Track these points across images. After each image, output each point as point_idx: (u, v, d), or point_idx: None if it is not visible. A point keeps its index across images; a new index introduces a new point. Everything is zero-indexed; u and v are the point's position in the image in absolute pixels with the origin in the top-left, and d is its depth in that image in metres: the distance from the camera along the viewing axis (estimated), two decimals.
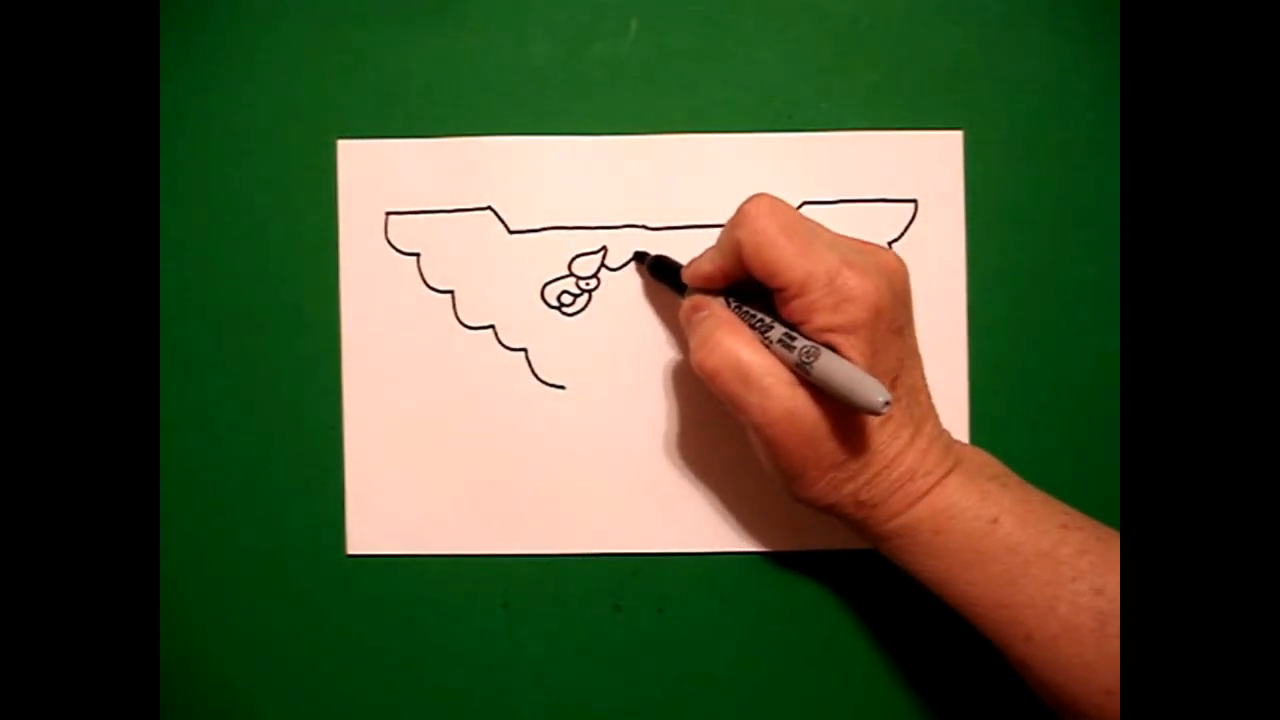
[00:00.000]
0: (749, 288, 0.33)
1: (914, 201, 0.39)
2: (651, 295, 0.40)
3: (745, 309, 0.33)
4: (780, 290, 0.31)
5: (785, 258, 0.30)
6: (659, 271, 0.38)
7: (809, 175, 0.39)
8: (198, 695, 0.40)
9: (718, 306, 0.33)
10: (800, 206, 0.39)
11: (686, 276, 0.35)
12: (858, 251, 0.32)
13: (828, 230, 0.33)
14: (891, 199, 0.39)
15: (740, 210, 0.32)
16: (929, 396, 0.34)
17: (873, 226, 0.39)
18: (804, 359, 0.30)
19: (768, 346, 0.31)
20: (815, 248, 0.31)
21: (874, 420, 0.31)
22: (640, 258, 0.39)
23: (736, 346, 0.31)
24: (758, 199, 0.32)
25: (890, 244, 0.39)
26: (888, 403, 0.28)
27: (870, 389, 0.28)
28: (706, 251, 0.34)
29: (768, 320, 0.32)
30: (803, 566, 0.40)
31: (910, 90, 0.39)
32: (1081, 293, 0.39)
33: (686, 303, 0.35)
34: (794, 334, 0.31)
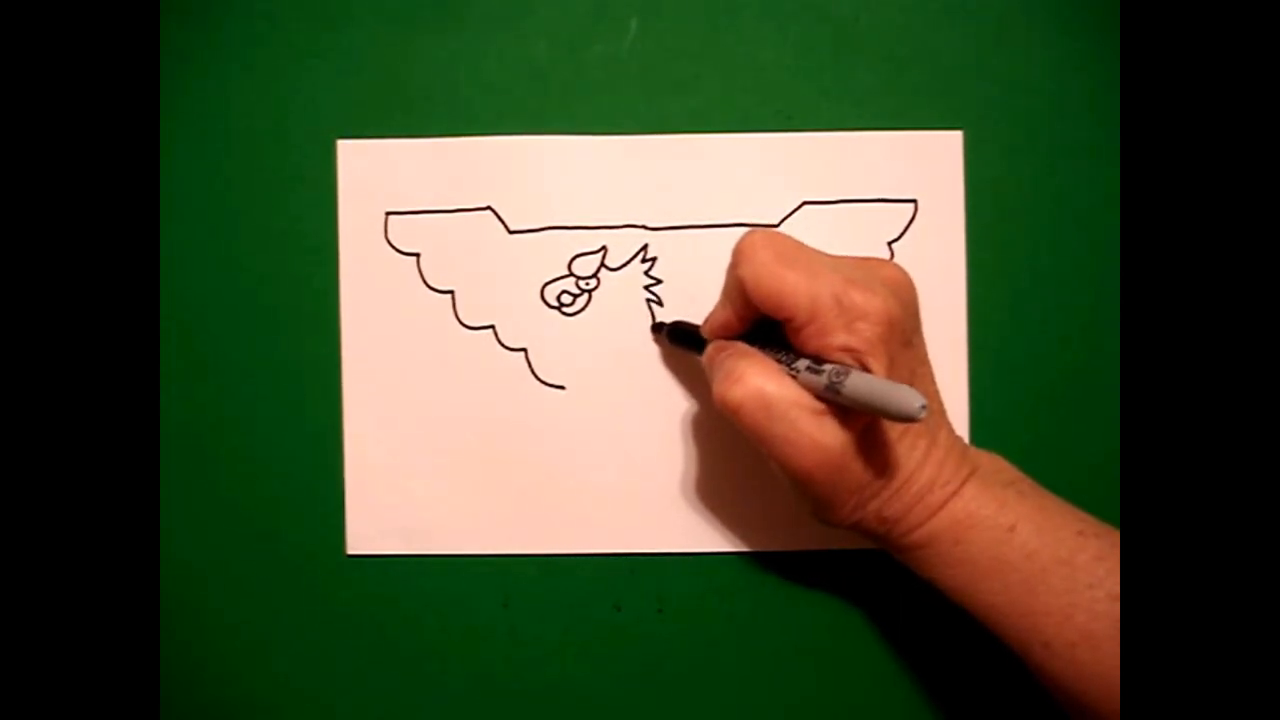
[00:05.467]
0: (765, 334, 0.33)
1: (914, 201, 0.39)
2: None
3: (767, 347, 0.33)
4: (790, 320, 0.31)
5: (788, 286, 0.30)
6: (678, 337, 0.38)
7: (809, 175, 0.39)
8: (198, 695, 0.40)
9: (740, 344, 0.33)
10: (800, 206, 0.39)
11: (705, 330, 0.35)
12: (860, 268, 0.32)
13: (826, 254, 0.32)
14: (891, 199, 0.39)
15: (736, 249, 0.32)
16: (941, 404, 0.34)
17: (873, 226, 0.39)
18: (834, 379, 0.29)
19: (794, 377, 0.31)
20: (817, 271, 0.30)
21: (893, 435, 0.31)
22: (658, 328, 0.39)
23: (760, 379, 0.30)
24: (751, 234, 0.32)
25: (890, 244, 0.39)
26: (925, 407, 0.27)
27: (907, 398, 0.27)
28: (717, 302, 0.35)
29: (791, 354, 0.32)
30: (803, 566, 0.40)
31: (910, 90, 0.39)
32: (1081, 293, 0.39)
33: (710, 348, 0.35)
34: (819, 360, 0.31)
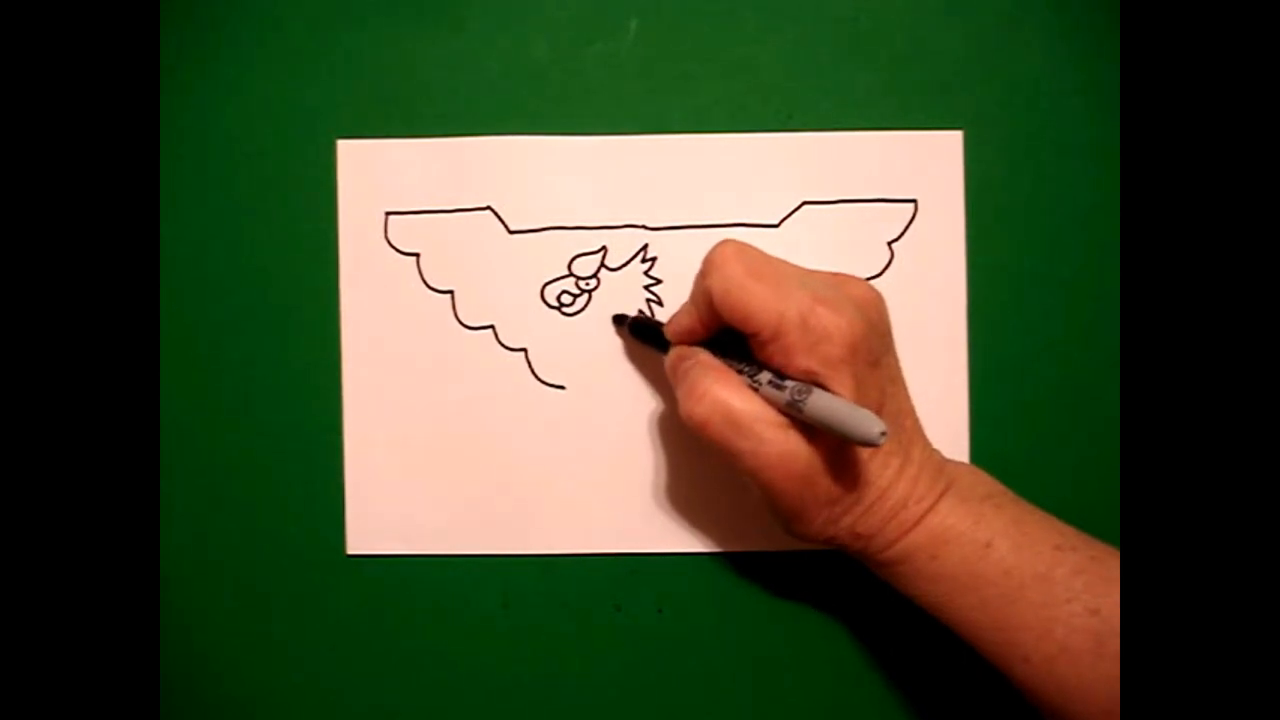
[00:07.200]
0: (730, 340, 0.33)
1: (914, 201, 0.39)
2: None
3: (730, 358, 0.33)
4: (754, 335, 0.31)
5: (755, 301, 0.30)
6: (640, 333, 0.38)
7: (809, 175, 0.39)
8: (198, 695, 0.40)
9: (704, 354, 0.33)
10: (800, 206, 0.39)
11: (669, 333, 0.35)
12: (829, 286, 0.31)
13: (798, 268, 0.32)
14: (891, 199, 0.39)
15: (706, 259, 0.32)
16: (915, 420, 0.34)
17: (873, 226, 0.39)
18: (795, 398, 0.29)
19: (757, 390, 0.31)
20: (785, 287, 0.30)
21: (865, 452, 0.31)
22: (619, 320, 0.39)
23: (725, 393, 0.31)
24: (722, 245, 0.32)
25: (890, 244, 0.39)
26: (884, 433, 0.27)
27: (866, 422, 0.28)
28: (683, 305, 0.35)
29: (755, 366, 0.32)
30: (802, 567, 0.40)
31: (910, 90, 0.39)
32: (1081, 293, 0.39)
33: (672, 354, 0.35)
34: (782, 375, 0.31)
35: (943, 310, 0.39)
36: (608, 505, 0.40)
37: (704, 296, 0.32)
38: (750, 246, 0.32)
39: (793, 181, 0.39)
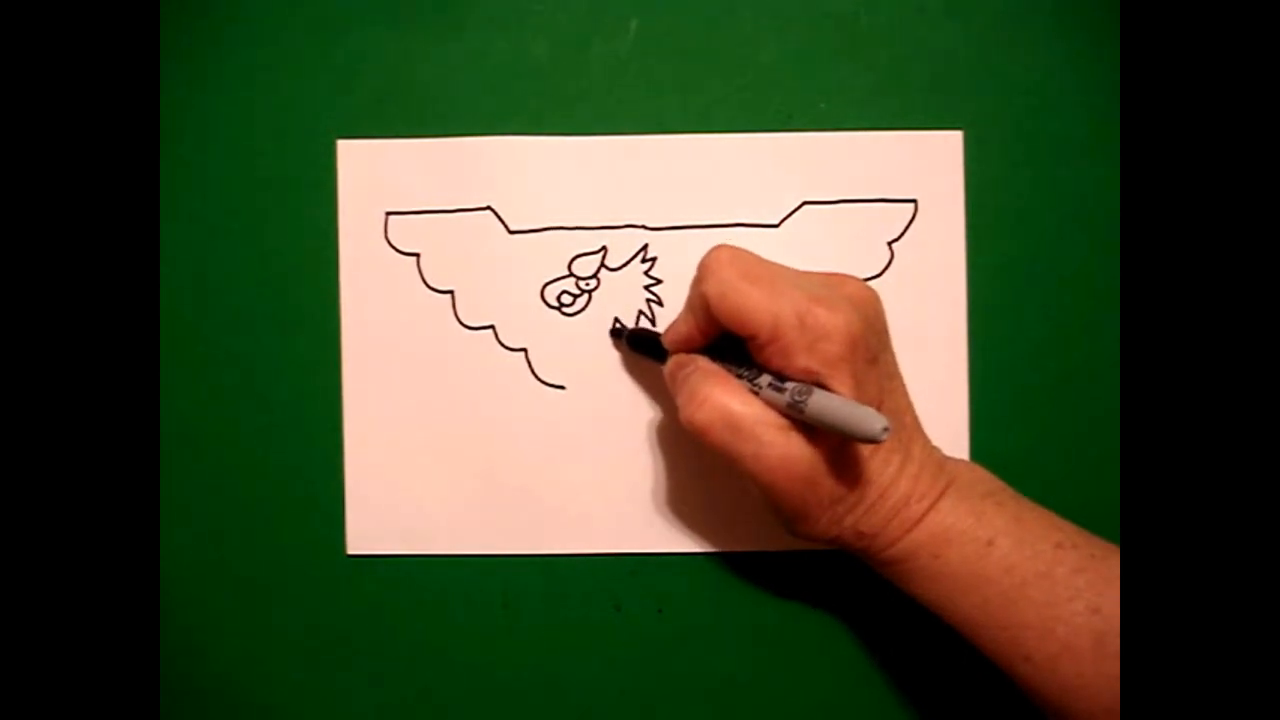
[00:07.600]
0: (728, 346, 0.33)
1: (914, 201, 0.39)
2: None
3: (729, 363, 0.33)
4: (752, 338, 0.31)
5: (751, 303, 0.30)
6: (637, 343, 0.38)
7: (809, 175, 0.39)
8: (198, 695, 0.40)
9: (703, 360, 0.33)
10: (800, 206, 0.39)
11: (666, 341, 0.35)
12: (825, 286, 0.32)
13: (792, 270, 0.33)
14: (891, 199, 0.39)
15: (701, 264, 0.32)
16: (914, 417, 0.34)
17: (873, 226, 0.39)
18: (796, 398, 0.30)
19: (756, 393, 0.31)
20: (781, 289, 0.30)
21: (865, 451, 0.31)
22: (617, 333, 0.39)
23: (725, 398, 0.31)
24: (716, 250, 0.32)
25: (890, 244, 0.39)
26: (887, 429, 0.27)
27: (869, 419, 0.28)
28: (679, 314, 0.35)
29: (754, 370, 0.32)
30: (802, 567, 0.40)
31: (910, 90, 0.39)
32: (1081, 293, 0.39)
33: (670, 362, 0.35)
34: (782, 377, 0.31)
35: (943, 310, 0.39)
36: (608, 505, 0.40)
37: (700, 302, 0.32)
38: (744, 250, 0.32)
39: (793, 181, 0.39)
